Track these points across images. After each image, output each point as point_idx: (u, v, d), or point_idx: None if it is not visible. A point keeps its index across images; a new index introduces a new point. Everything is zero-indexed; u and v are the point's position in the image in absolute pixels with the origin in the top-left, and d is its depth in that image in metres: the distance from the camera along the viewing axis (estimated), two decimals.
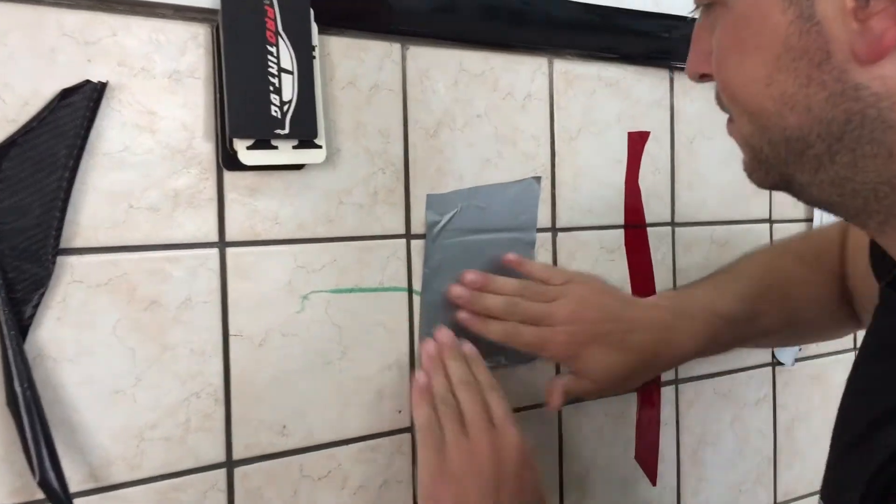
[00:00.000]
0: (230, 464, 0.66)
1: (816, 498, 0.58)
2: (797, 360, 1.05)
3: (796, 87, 0.45)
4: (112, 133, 0.60)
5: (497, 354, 0.78)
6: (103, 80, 0.59)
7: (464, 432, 0.65)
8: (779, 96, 0.46)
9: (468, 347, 0.71)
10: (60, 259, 0.58)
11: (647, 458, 0.91)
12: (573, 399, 0.79)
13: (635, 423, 0.90)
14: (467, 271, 0.74)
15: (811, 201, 0.52)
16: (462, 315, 0.73)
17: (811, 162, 0.47)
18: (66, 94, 0.58)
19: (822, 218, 1.05)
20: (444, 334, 0.72)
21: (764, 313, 0.79)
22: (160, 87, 0.62)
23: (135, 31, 0.61)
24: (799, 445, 1.07)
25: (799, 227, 1.04)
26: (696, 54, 0.55)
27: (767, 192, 1.00)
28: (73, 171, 0.58)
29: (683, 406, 0.95)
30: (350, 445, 0.72)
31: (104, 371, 0.60)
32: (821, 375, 1.09)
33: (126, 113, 0.61)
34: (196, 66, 0.63)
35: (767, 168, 0.51)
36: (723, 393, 0.98)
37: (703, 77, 0.54)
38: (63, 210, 0.58)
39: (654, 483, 0.92)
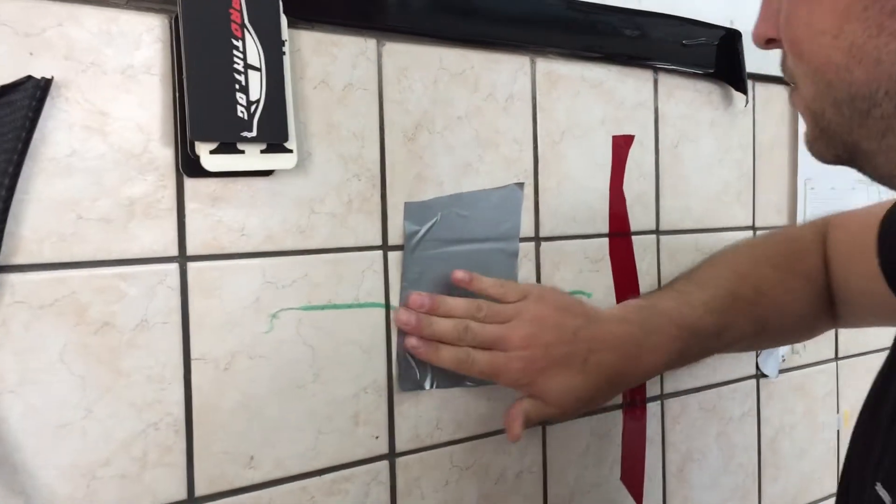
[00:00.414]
0: (192, 501, 0.60)
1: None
2: (781, 371, 1.02)
3: (865, 38, 0.43)
4: (58, 136, 0.54)
5: (461, 375, 0.73)
6: (48, 76, 0.52)
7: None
8: (847, 48, 0.44)
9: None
10: (0, 277, 0.52)
11: (634, 479, 0.87)
12: (536, 424, 0.74)
13: (621, 441, 0.86)
14: (414, 293, 0.69)
15: (878, 174, 0.49)
16: (411, 342, 0.68)
17: (877, 125, 0.44)
18: (4, 91, 0.51)
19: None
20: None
21: (733, 324, 0.75)
22: (112, 84, 0.56)
23: (83, 22, 0.55)
24: (782, 459, 1.03)
25: None
26: (764, 16, 0.52)
27: (750, 198, 0.96)
28: (14, 178, 0.51)
29: (669, 422, 0.90)
30: (323, 476, 0.66)
31: (50, 402, 0.54)
32: (804, 386, 1.06)
33: (74, 113, 0.54)
34: (152, 61, 0.57)
35: (830, 136, 0.48)
36: (708, 408, 0.94)
37: (769, 43, 0.51)
38: (2, 222, 0.51)
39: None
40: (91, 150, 0.55)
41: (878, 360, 1.14)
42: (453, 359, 0.67)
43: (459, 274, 0.71)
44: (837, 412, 1.10)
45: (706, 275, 0.78)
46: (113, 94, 0.56)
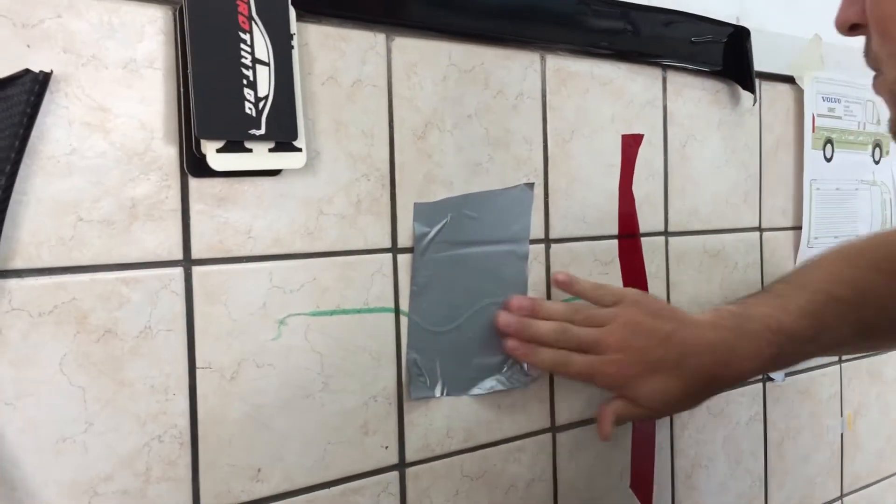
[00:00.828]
0: None
1: None
2: (787, 374, 1.00)
3: None
4: (57, 133, 0.51)
5: (489, 379, 0.71)
6: (46, 70, 0.49)
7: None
8: None
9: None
10: None
11: (643, 487, 0.85)
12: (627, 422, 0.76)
13: (631, 448, 0.84)
14: (515, 297, 0.71)
15: None
16: (511, 344, 0.70)
17: None
18: (0, 85, 0.48)
19: (811, 225, 1.00)
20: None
21: (832, 328, 0.74)
22: (113, 78, 0.53)
23: (83, 13, 0.52)
24: (788, 464, 1.02)
25: (788, 235, 0.99)
26: (849, 1, 0.51)
27: (757, 199, 0.95)
28: (11, 177, 0.48)
29: (678, 428, 0.88)
30: (332, 489, 0.63)
31: (49, 415, 0.51)
32: (809, 390, 1.04)
33: (74, 109, 0.51)
34: (155, 54, 0.54)
35: None
36: (716, 412, 0.93)
37: (852, 29, 0.51)
38: None
39: None
40: (92, 148, 0.52)
41: (880, 363, 1.14)
42: (551, 360, 0.69)
43: (560, 276, 0.74)
44: (841, 415, 1.09)
45: (803, 278, 0.77)
46: (114, 89, 0.53)
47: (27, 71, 0.49)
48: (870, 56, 0.50)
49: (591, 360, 0.69)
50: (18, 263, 0.49)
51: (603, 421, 0.71)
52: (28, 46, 0.50)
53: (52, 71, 0.50)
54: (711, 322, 0.73)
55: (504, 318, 0.70)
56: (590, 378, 0.70)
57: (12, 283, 0.49)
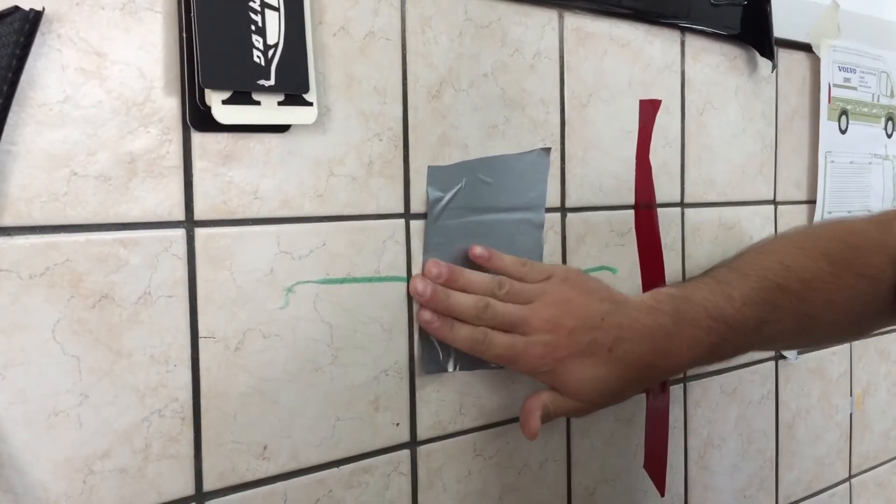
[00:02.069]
0: (200, 497, 0.53)
1: (815, 500, 0.49)
2: (799, 352, 0.97)
3: None
4: (50, 78, 0.46)
5: None
6: (37, 8, 0.45)
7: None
8: None
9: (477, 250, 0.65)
10: None
11: (656, 468, 0.82)
12: (555, 418, 0.66)
13: (644, 427, 0.80)
14: (431, 261, 0.62)
15: None
16: (424, 316, 0.61)
17: None
18: None
19: (825, 199, 0.97)
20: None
21: (775, 320, 0.69)
22: (110, 21, 0.48)
23: None
24: (799, 445, 0.99)
25: (802, 209, 0.96)
26: None
27: (772, 171, 0.92)
28: (0, 126, 0.44)
29: (691, 406, 0.85)
30: (341, 467, 0.59)
31: (41, 386, 0.47)
32: (819, 369, 1.01)
33: (67, 53, 0.47)
34: None
35: None
36: (728, 391, 0.90)
37: None
38: None
39: (662, 494, 0.82)
40: (87, 96, 0.47)
41: (890, 341, 1.11)
42: (469, 338, 0.61)
43: (478, 250, 0.65)
44: (850, 395, 1.06)
45: (749, 264, 0.71)
46: (111, 32, 0.48)
47: (16, 8, 0.44)
48: None
49: (514, 341, 0.62)
50: (7, 220, 0.45)
51: (529, 416, 0.64)
52: None
53: (43, 9, 0.45)
54: (648, 305, 0.67)
55: (419, 285, 0.61)
56: (512, 361, 0.63)
57: (0, 241, 0.45)
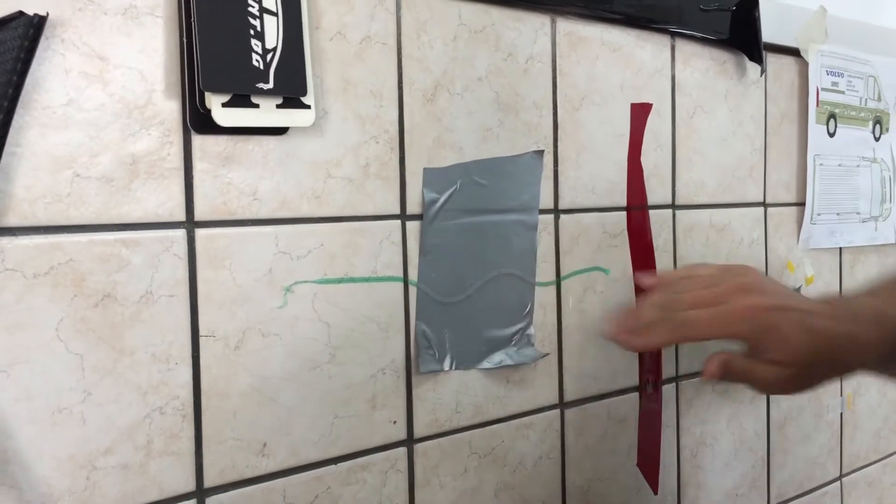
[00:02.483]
0: (201, 493, 0.54)
1: (806, 499, 0.48)
2: None
3: None
4: (53, 82, 0.47)
5: (498, 353, 0.68)
6: (42, 13, 0.46)
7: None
8: None
9: None
10: None
11: (649, 466, 0.83)
12: (739, 381, 0.60)
13: (638, 426, 0.81)
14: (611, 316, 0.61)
15: None
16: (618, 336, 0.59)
17: None
18: None
19: (814, 201, 0.99)
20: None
21: None
22: (113, 26, 0.49)
23: None
24: (790, 444, 1.00)
25: (791, 211, 0.98)
26: None
27: (761, 173, 0.93)
28: (5, 127, 0.45)
29: (683, 405, 0.86)
30: (339, 464, 0.60)
31: (45, 384, 0.47)
32: None
33: (71, 57, 0.48)
34: (157, 0, 0.51)
35: None
36: (721, 391, 0.91)
37: None
38: None
39: (655, 492, 0.83)
40: (89, 99, 0.49)
41: None
42: (669, 330, 0.58)
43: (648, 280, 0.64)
44: (841, 395, 1.08)
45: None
46: (113, 37, 0.49)
47: (21, 13, 0.45)
48: None
49: (717, 308, 0.58)
50: (12, 221, 0.46)
51: (710, 362, 0.60)
52: None
53: (47, 14, 0.46)
54: (822, 299, 0.63)
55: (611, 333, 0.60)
56: (720, 325, 0.57)
57: (5, 241, 0.46)
